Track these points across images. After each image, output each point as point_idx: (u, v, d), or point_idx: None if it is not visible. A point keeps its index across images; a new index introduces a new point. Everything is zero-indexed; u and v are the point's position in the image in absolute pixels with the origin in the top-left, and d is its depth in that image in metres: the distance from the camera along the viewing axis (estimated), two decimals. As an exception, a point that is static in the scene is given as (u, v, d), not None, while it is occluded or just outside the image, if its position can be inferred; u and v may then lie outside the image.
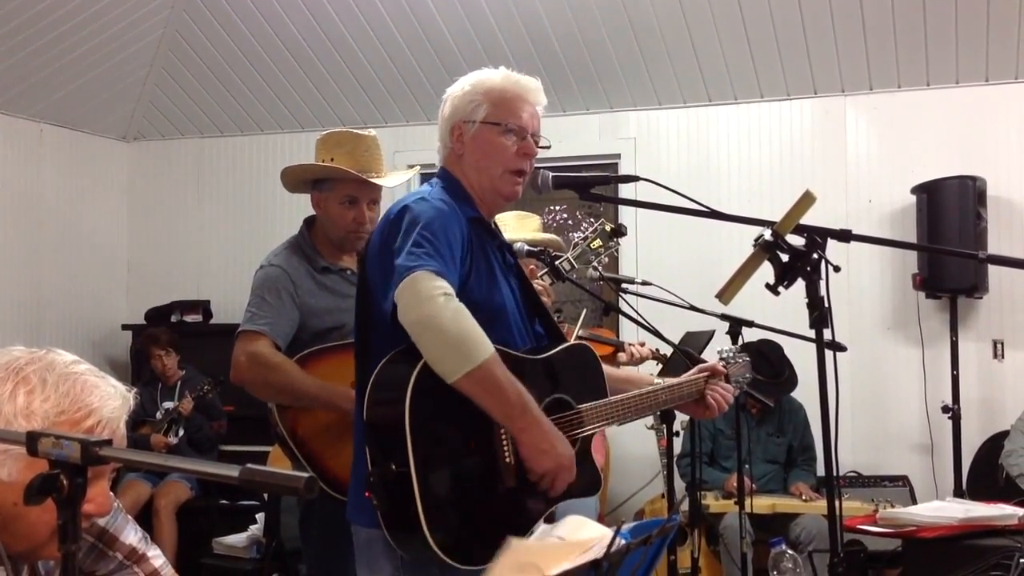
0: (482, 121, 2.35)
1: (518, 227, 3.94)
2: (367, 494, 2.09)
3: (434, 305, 2.03)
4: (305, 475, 1.15)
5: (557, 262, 3.38)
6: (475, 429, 2.14)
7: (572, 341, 2.51)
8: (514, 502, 2.18)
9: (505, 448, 2.15)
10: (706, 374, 2.68)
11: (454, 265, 2.16)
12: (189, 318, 6.96)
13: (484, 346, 2.07)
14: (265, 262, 3.10)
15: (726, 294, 2.21)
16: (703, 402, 2.66)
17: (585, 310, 5.64)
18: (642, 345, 4.47)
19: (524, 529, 2.11)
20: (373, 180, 3.08)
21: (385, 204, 3.13)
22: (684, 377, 2.66)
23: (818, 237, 2.12)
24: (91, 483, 1.52)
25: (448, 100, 2.41)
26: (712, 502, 5.20)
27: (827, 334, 2.12)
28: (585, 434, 2.35)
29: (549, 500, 2.25)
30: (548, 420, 2.18)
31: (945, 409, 5.55)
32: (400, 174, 3.34)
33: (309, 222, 3.21)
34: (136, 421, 6.04)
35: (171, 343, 6.27)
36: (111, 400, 1.58)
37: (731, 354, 2.83)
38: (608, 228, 3.46)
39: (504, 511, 2.17)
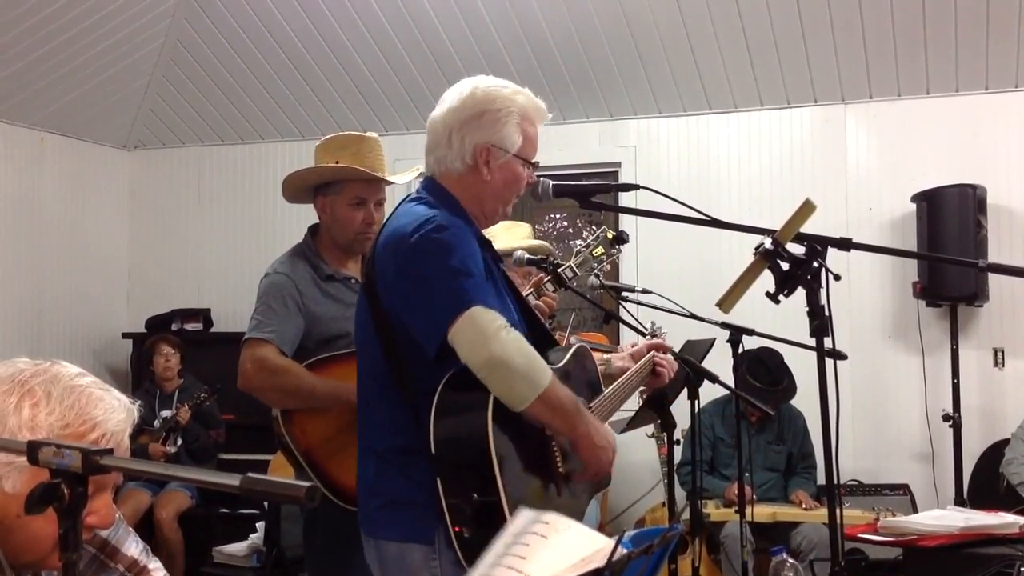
0: (515, 154, 2.32)
1: (508, 237, 3.93)
2: (456, 529, 2.10)
3: (499, 342, 2.05)
4: (306, 484, 1.15)
5: (560, 270, 3.38)
6: (537, 448, 2.22)
7: (574, 344, 2.56)
8: (567, 508, 2.25)
9: (557, 460, 2.25)
10: (652, 352, 2.84)
11: (490, 292, 2.18)
12: (189, 326, 6.96)
13: (545, 370, 2.12)
14: (271, 270, 3.10)
15: (726, 302, 2.21)
16: (654, 372, 2.84)
17: (574, 313, 5.63)
18: (632, 347, 4.47)
19: None
20: (384, 178, 3.08)
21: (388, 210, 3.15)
22: (643, 360, 2.81)
23: (818, 245, 2.12)
24: (95, 495, 1.52)
25: (474, 109, 2.30)
26: (713, 510, 5.20)
27: (827, 342, 2.12)
28: None
29: (588, 499, 2.40)
30: (591, 414, 2.28)
31: (946, 417, 5.55)
32: (406, 173, 3.33)
33: (313, 230, 3.20)
34: (135, 430, 6.03)
35: (180, 347, 6.32)
36: (116, 413, 1.58)
37: (655, 329, 3.21)
38: (610, 235, 3.46)
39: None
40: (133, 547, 1.83)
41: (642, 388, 2.93)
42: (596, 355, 2.83)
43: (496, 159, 2.31)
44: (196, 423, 6.05)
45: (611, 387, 2.62)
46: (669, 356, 2.88)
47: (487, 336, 2.05)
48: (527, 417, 2.13)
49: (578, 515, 2.31)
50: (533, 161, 2.38)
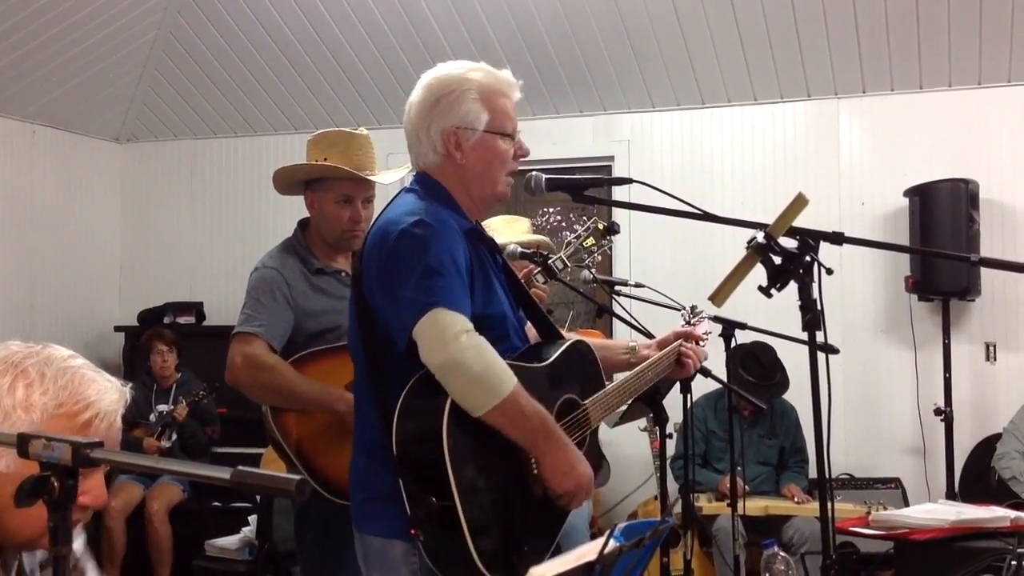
0: (485, 130, 2.29)
1: (507, 231, 3.93)
2: (413, 532, 2.09)
3: (457, 346, 2.03)
4: (296, 477, 1.15)
5: (550, 261, 3.38)
6: (504, 447, 2.17)
7: (571, 338, 2.53)
8: (543, 509, 2.24)
9: (532, 461, 2.20)
10: (680, 340, 2.76)
11: (464, 289, 2.14)
12: (182, 320, 6.94)
13: (508, 379, 2.08)
14: (260, 264, 3.10)
15: (719, 296, 2.21)
16: (679, 363, 2.75)
17: (572, 312, 5.63)
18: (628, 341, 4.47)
19: (553, 533, 2.24)
20: (369, 177, 3.08)
21: (379, 203, 3.15)
22: (666, 349, 2.72)
23: (811, 240, 2.12)
24: (88, 475, 1.52)
25: (432, 97, 2.30)
26: (705, 504, 5.20)
27: (819, 336, 2.12)
28: (594, 427, 2.43)
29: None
30: (569, 441, 2.22)
31: (937, 411, 5.55)
32: (395, 171, 3.34)
33: (303, 224, 3.21)
34: (130, 423, 6.04)
35: (175, 343, 6.29)
36: (108, 394, 1.59)
37: (692, 316, 3.09)
38: (601, 226, 3.45)
39: (535, 519, 2.23)
40: (93, 574, 1.83)
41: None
42: (621, 344, 2.80)
43: (466, 140, 2.29)
44: (192, 420, 6.03)
45: (619, 379, 2.57)
46: (699, 346, 2.80)
47: (445, 339, 2.04)
48: (489, 424, 2.09)
49: (559, 518, 2.29)
50: (511, 132, 2.34)
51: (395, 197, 2.36)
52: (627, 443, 5.71)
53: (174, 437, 6.02)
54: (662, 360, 2.70)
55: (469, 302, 2.14)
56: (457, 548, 2.05)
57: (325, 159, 3.09)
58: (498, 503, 2.14)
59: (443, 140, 2.30)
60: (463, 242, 2.22)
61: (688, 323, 3.05)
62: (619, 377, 2.62)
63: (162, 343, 6.25)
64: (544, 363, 2.34)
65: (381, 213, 2.35)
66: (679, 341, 2.75)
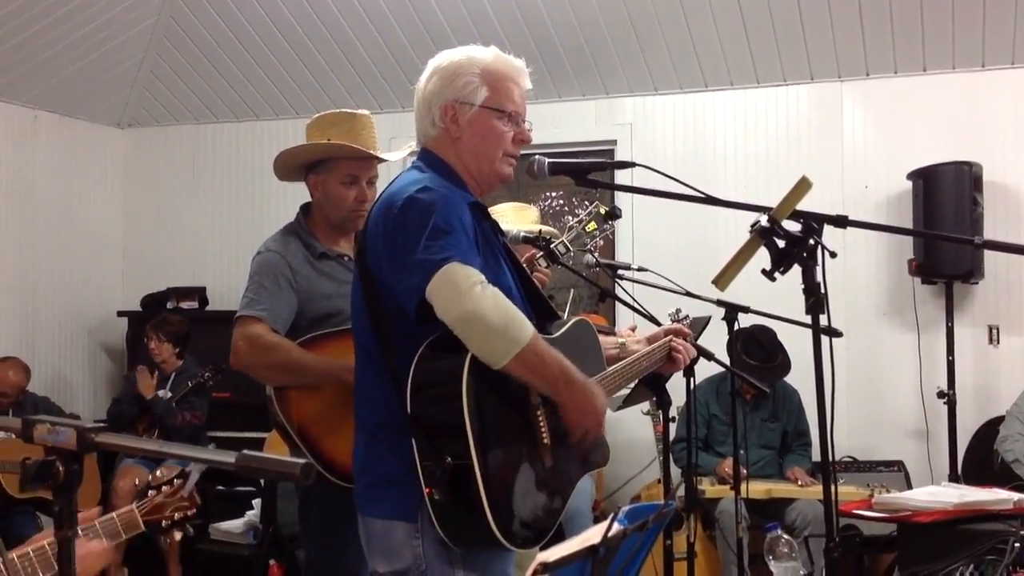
0: (481, 105, 2.32)
1: (516, 219, 3.93)
2: (427, 490, 2.09)
3: (473, 297, 2.04)
4: (301, 461, 1.15)
5: (552, 245, 3.38)
6: (517, 414, 2.19)
7: (575, 318, 2.55)
8: (551, 480, 2.25)
9: (542, 429, 2.22)
10: (670, 336, 2.86)
11: (472, 247, 2.16)
12: (185, 305, 6.93)
13: (526, 326, 2.10)
14: (263, 248, 3.09)
15: (722, 280, 2.21)
16: (669, 358, 2.87)
17: (572, 291, 5.62)
18: (633, 330, 4.48)
19: (560, 505, 2.25)
20: (375, 154, 3.08)
21: (381, 188, 3.14)
22: (656, 344, 2.83)
23: (814, 223, 2.12)
24: None
25: (437, 75, 2.36)
26: (708, 487, 5.21)
27: (823, 320, 2.12)
28: None
29: (578, 474, 2.36)
30: (583, 376, 2.24)
31: (940, 394, 5.56)
32: (399, 151, 3.32)
33: (305, 208, 3.20)
34: (129, 399, 6.06)
35: (171, 336, 6.19)
36: None
37: (678, 317, 3.24)
38: (602, 211, 3.46)
39: (544, 490, 2.24)
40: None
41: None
42: (611, 339, 2.84)
43: (463, 114, 2.32)
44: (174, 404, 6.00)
45: (616, 365, 2.61)
46: (687, 343, 2.87)
47: (461, 292, 2.04)
48: (509, 375, 2.10)
49: (567, 489, 2.31)
50: (511, 112, 2.35)
51: (398, 175, 2.37)
52: (630, 427, 5.72)
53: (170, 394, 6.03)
54: (654, 352, 2.78)
55: (478, 259, 2.15)
56: (470, 506, 2.05)
57: (328, 140, 3.08)
58: (512, 464, 2.15)
59: (441, 113, 2.33)
60: (468, 212, 2.23)
61: (676, 322, 3.18)
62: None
63: (154, 333, 6.17)
64: (552, 336, 2.35)
65: (384, 190, 2.35)
66: (669, 337, 2.84)
